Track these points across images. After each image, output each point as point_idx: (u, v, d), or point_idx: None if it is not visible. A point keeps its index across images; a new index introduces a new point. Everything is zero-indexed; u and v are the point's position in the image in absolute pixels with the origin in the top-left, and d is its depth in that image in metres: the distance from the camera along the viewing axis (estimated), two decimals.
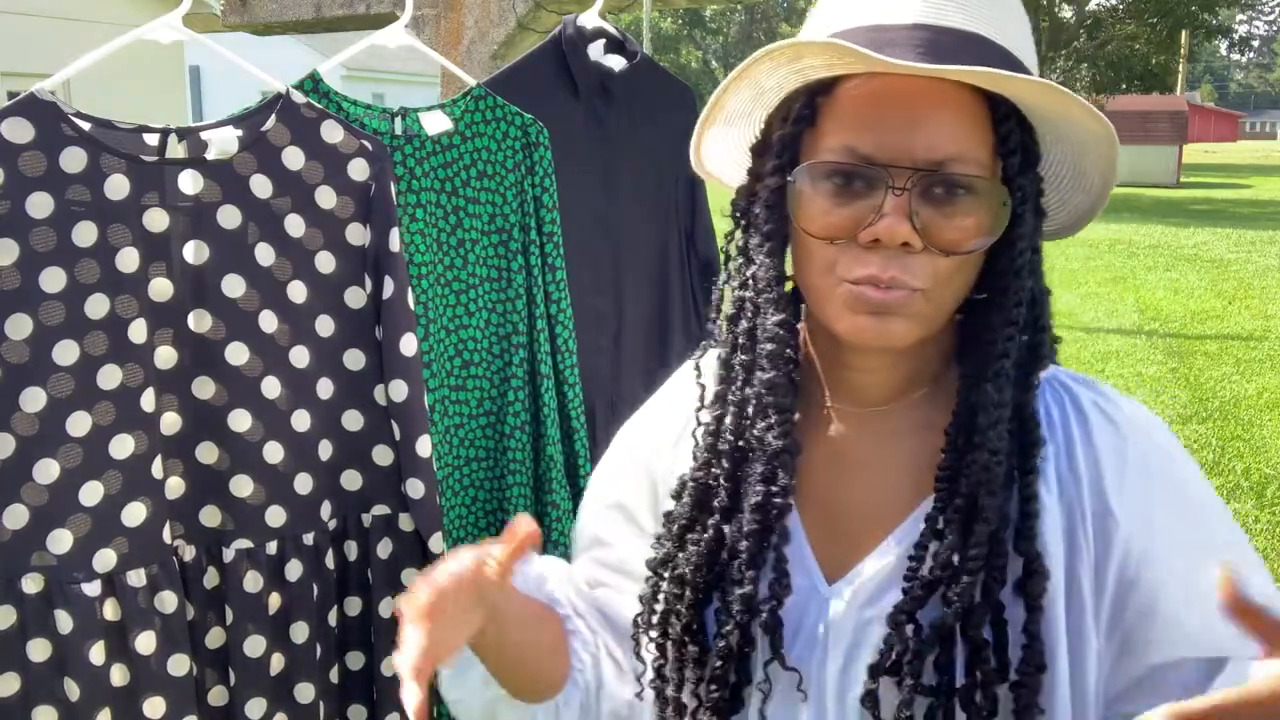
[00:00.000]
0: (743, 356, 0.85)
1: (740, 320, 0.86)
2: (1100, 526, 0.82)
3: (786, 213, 0.82)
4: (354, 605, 1.32)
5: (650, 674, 0.90)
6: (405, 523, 1.32)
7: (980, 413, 0.80)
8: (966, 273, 0.80)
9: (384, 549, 1.32)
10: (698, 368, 0.91)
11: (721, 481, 0.86)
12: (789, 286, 0.88)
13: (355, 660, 1.33)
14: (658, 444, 0.96)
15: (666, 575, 0.88)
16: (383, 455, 1.31)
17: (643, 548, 0.95)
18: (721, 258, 0.91)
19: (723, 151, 0.93)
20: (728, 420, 0.86)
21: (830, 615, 0.85)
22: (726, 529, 0.85)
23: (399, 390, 1.29)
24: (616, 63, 1.72)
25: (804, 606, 0.85)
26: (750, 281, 0.86)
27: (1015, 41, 0.80)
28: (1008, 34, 0.80)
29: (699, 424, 0.89)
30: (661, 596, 0.89)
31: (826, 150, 0.79)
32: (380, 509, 1.32)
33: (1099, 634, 0.82)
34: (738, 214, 0.88)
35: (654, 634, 0.89)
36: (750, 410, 0.85)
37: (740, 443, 0.85)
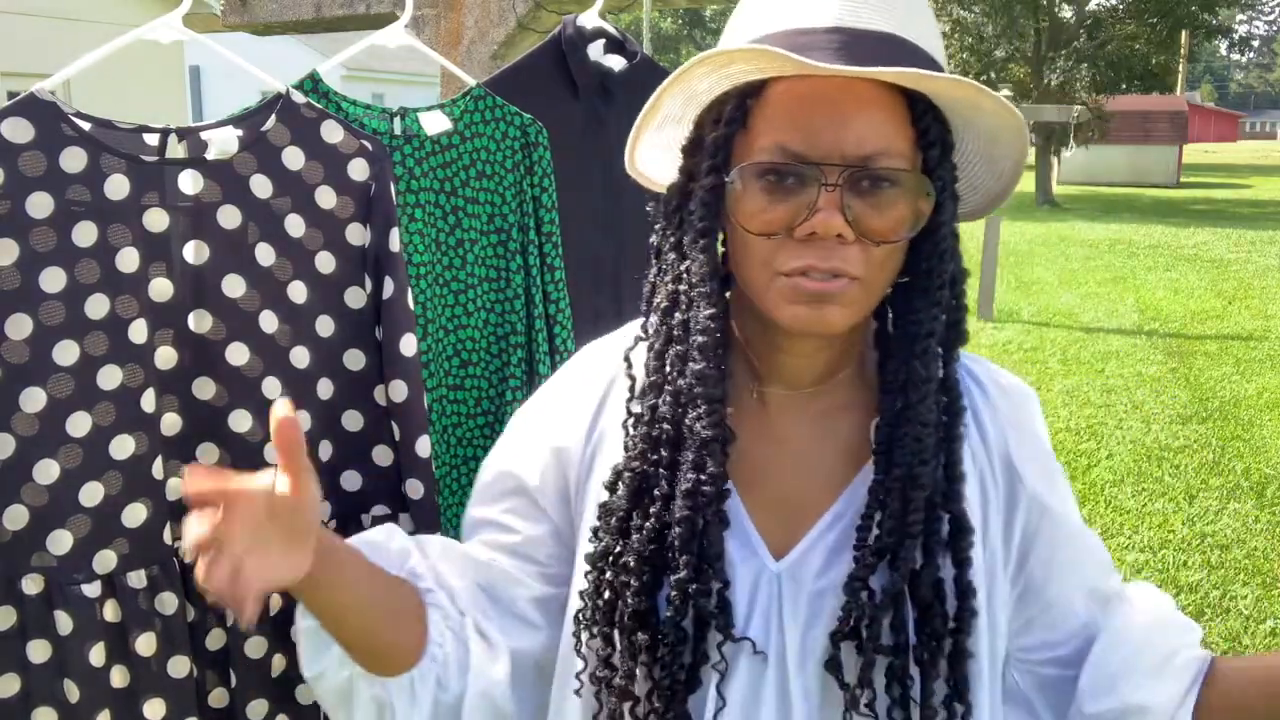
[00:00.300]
0: (676, 348, 0.89)
1: (674, 313, 0.90)
2: (1009, 486, 0.93)
3: (720, 210, 0.87)
4: None
5: (592, 666, 0.92)
6: (405, 523, 1.32)
7: (910, 389, 0.87)
8: (896, 259, 0.86)
9: None
10: (628, 360, 0.94)
11: (660, 470, 0.89)
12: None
13: None
14: (570, 431, 0.97)
15: (607, 566, 0.90)
16: (382, 456, 1.31)
17: (547, 530, 0.98)
18: (652, 253, 0.95)
19: (651, 152, 0.97)
20: (662, 410, 0.89)
21: (783, 590, 0.89)
22: (666, 516, 0.88)
23: (399, 390, 1.29)
24: (616, 63, 1.72)
25: (755, 583, 0.90)
26: (684, 275, 0.90)
27: (926, 39, 0.86)
28: (919, 32, 0.85)
29: (630, 415, 0.92)
30: (605, 588, 0.91)
31: (760, 150, 0.84)
32: (380, 509, 1.31)
33: (1007, 580, 0.94)
34: (670, 211, 0.93)
35: (598, 626, 0.91)
36: (682, 400, 0.88)
37: (675, 432, 0.88)
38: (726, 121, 0.86)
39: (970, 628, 0.88)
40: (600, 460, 0.95)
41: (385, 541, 0.98)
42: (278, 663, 1.24)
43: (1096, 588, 0.97)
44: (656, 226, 0.94)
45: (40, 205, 1.10)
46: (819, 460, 0.93)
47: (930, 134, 0.83)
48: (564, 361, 1.63)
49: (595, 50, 1.71)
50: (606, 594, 0.90)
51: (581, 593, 0.93)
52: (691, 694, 0.88)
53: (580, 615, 0.93)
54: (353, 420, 1.29)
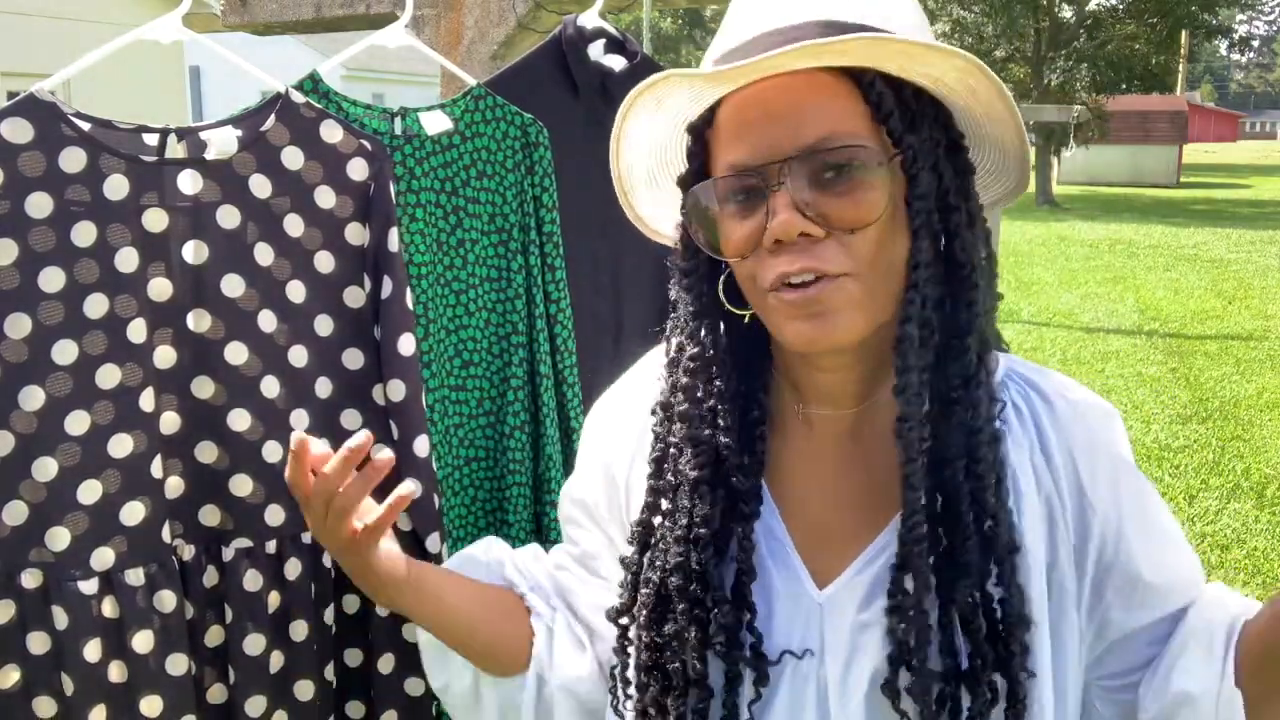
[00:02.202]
0: (677, 395, 0.88)
1: (677, 361, 0.89)
2: (1079, 514, 0.85)
3: (698, 247, 0.85)
4: (351, 603, 1.32)
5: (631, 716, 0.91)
6: (403, 522, 1.32)
7: (902, 383, 0.79)
8: (891, 246, 0.79)
9: None
10: (654, 412, 0.91)
11: (665, 522, 0.87)
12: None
13: (353, 657, 1.33)
14: (618, 452, 0.97)
15: (628, 622, 0.90)
16: (383, 454, 1.31)
17: (602, 542, 0.99)
18: (671, 306, 0.92)
19: (666, 210, 0.95)
20: (666, 462, 0.88)
21: (825, 621, 0.85)
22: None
23: (397, 390, 1.29)
24: (616, 63, 1.72)
25: (797, 614, 0.86)
26: (679, 322, 0.89)
27: (872, 12, 0.80)
28: (861, 8, 0.80)
29: (650, 467, 0.90)
30: (627, 645, 0.90)
31: (718, 175, 0.82)
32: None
33: (1080, 613, 0.86)
34: (671, 263, 0.91)
35: (631, 682, 0.90)
36: (675, 448, 0.87)
37: (676, 480, 0.87)
38: (688, 157, 0.86)
39: (1021, 649, 0.81)
40: (635, 490, 0.94)
41: (480, 555, 1.04)
42: (276, 659, 1.24)
43: (1181, 608, 0.89)
44: (672, 281, 0.91)
45: (40, 205, 1.10)
46: (865, 486, 0.87)
47: (884, 105, 0.77)
48: (565, 361, 1.64)
49: (595, 50, 1.71)
50: (630, 651, 0.90)
51: (614, 649, 0.93)
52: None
53: (613, 672, 0.93)
54: (351, 419, 1.29)
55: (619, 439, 0.97)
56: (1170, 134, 25.65)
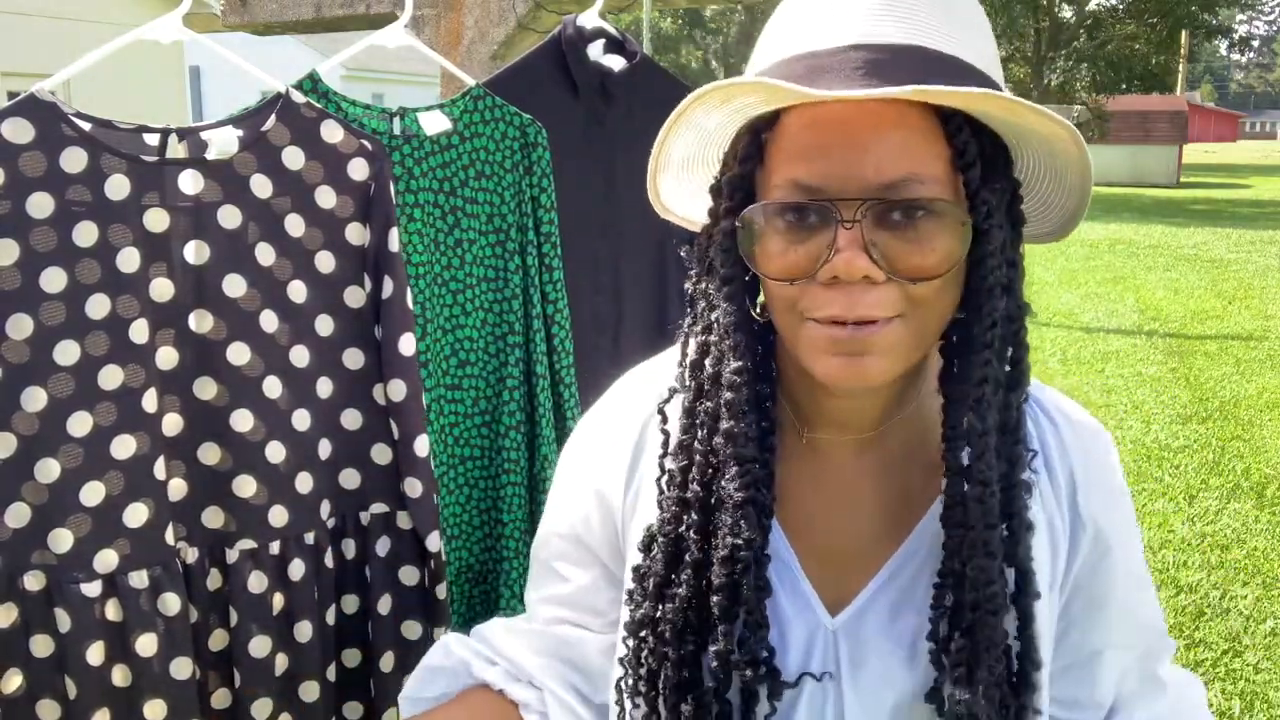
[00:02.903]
0: (706, 404, 0.83)
1: (703, 366, 0.84)
2: (1072, 531, 0.86)
3: (740, 255, 0.79)
4: (351, 603, 1.32)
5: None
6: (403, 521, 1.32)
7: (971, 441, 0.77)
8: (948, 293, 0.76)
9: (382, 547, 1.32)
10: (663, 413, 0.88)
11: (691, 534, 0.83)
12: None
13: (351, 658, 1.33)
14: (611, 474, 0.93)
15: (649, 634, 0.86)
16: (381, 454, 1.31)
17: (597, 572, 0.94)
18: (687, 300, 0.89)
19: (687, 194, 0.91)
20: (694, 471, 0.83)
21: (840, 647, 0.83)
22: (703, 582, 0.82)
23: (397, 390, 1.29)
24: (616, 63, 1.72)
25: (810, 640, 0.84)
26: (713, 326, 0.83)
27: (964, 46, 0.75)
28: (955, 39, 0.75)
29: (663, 472, 0.86)
30: (647, 657, 0.86)
31: (775, 188, 0.76)
32: (379, 507, 1.32)
33: (1052, 619, 0.87)
34: (699, 256, 0.86)
35: (642, 697, 0.86)
36: (714, 461, 0.82)
37: (706, 494, 0.83)
38: (741, 159, 0.79)
39: (1032, 688, 0.80)
40: (641, 507, 0.91)
41: (442, 662, 0.97)
42: (281, 662, 1.24)
43: (1141, 662, 0.90)
44: (690, 272, 0.87)
45: (41, 205, 1.10)
46: (874, 510, 0.85)
47: (967, 153, 0.73)
48: (561, 361, 1.64)
49: (595, 50, 1.71)
50: (648, 663, 0.86)
51: (622, 660, 0.89)
52: None
53: (622, 684, 0.89)
54: (352, 419, 1.29)
55: (610, 462, 0.93)
56: (1170, 134, 25.65)
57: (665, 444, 0.87)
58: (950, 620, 0.79)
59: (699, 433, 0.83)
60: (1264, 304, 9.47)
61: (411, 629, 1.33)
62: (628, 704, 0.89)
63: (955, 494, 0.78)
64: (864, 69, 0.72)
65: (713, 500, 0.82)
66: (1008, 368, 0.79)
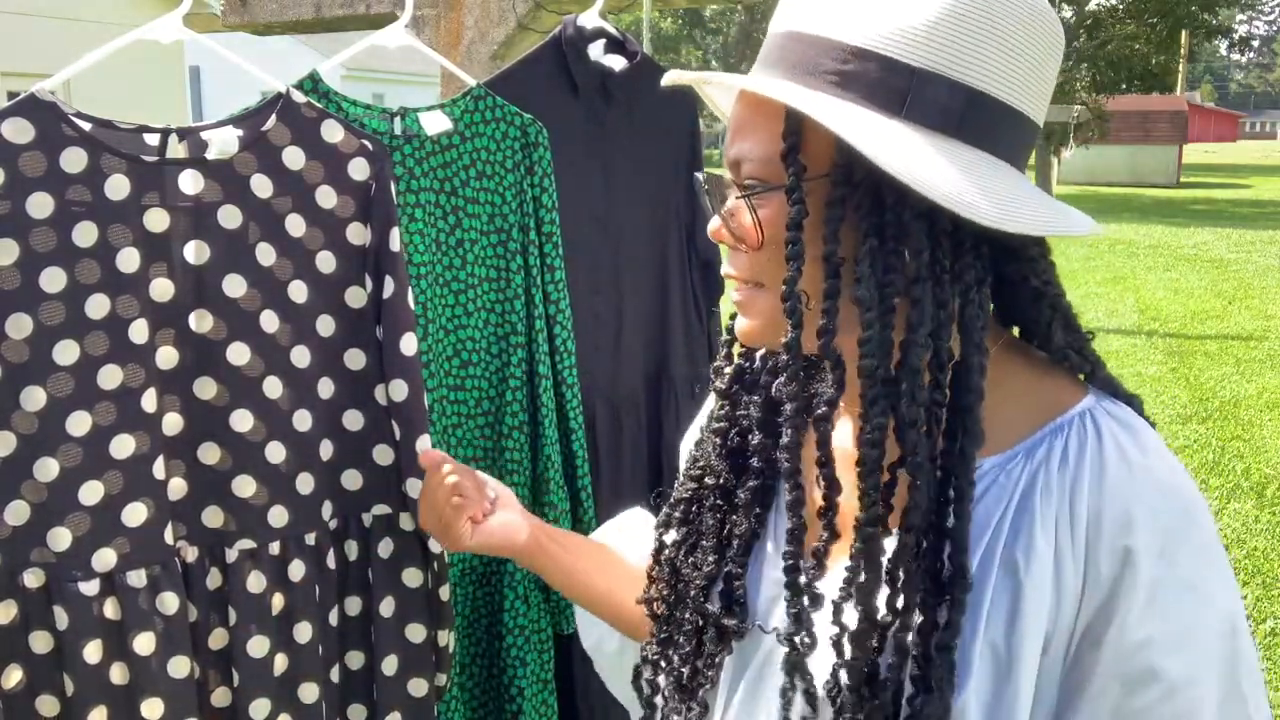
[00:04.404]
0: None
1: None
2: (1083, 588, 0.73)
3: None
4: (354, 605, 1.32)
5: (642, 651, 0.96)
6: (405, 522, 1.32)
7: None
8: (806, 269, 0.76)
9: (384, 548, 1.32)
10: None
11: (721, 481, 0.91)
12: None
13: (355, 659, 1.33)
14: None
15: (672, 556, 0.94)
16: (383, 455, 1.31)
17: None
18: None
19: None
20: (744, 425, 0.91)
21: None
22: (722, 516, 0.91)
23: (399, 390, 1.29)
24: (616, 63, 1.72)
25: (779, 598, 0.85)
26: None
27: (854, 28, 0.74)
28: (849, 22, 0.74)
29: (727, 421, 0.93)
30: (657, 580, 0.95)
31: None
32: (380, 508, 1.32)
33: (1064, 669, 0.75)
34: None
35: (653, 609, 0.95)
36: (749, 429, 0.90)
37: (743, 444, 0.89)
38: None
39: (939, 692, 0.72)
40: None
41: (620, 524, 1.12)
42: (280, 662, 1.24)
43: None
44: None
45: (41, 205, 1.10)
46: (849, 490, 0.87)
47: (790, 132, 0.75)
48: (564, 362, 1.64)
49: (595, 50, 1.71)
50: (656, 585, 0.94)
51: (649, 572, 0.97)
52: (704, 687, 0.88)
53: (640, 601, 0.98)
54: (353, 420, 1.29)
55: None
56: (1170, 134, 25.64)
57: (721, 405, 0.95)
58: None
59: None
60: (1264, 304, 9.47)
61: (415, 631, 1.33)
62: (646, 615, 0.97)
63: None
64: (768, 55, 0.79)
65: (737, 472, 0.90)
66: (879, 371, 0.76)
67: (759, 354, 0.93)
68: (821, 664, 0.79)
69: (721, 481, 0.91)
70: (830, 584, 0.79)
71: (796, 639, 0.79)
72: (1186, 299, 9.76)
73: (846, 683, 0.75)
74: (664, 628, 0.92)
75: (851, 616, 0.75)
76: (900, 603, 0.74)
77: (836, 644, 0.76)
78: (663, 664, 0.92)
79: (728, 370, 0.93)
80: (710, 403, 1.00)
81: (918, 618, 0.74)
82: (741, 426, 0.91)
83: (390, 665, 1.31)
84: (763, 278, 0.81)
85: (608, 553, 1.09)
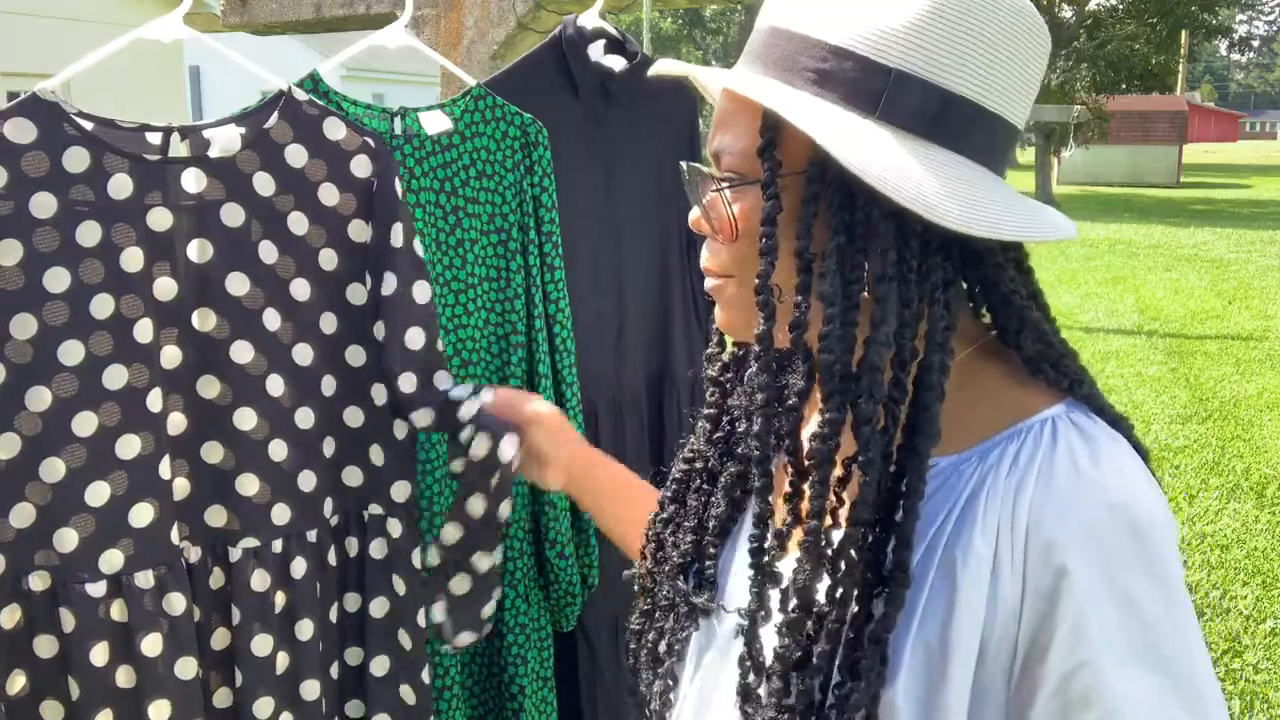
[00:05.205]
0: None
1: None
2: (1031, 585, 0.70)
3: None
4: (353, 601, 1.31)
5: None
6: (393, 527, 1.31)
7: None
8: (779, 263, 0.77)
9: (377, 549, 1.31)
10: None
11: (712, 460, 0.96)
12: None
13: (354, 656, 1.33)
14: None
15: (660, 531, 0.98)
16: (376, 455, 1.30)
17: None
18: None
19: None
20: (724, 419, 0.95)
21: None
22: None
23: (409, 382, 1.27)
24: (616, 63, 1.72)
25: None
26: None
27: (837, 27, 0.75)
28: (832, 20, 0.75)
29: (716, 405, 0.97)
30: (647, 549, 0.99)
31: None
32: (375, 508, 1.31)
33: (1009, 684, 0.72)
34: None
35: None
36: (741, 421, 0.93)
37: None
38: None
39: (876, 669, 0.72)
40: None
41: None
42: (282, 660, 1.24)
43: None
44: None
45: (44, 205, 1.10)
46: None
47: (764, 127, 0.77)
48: (564, 361, 1.64)
49: (595, 51, 1.71)
50: (643, 560, 0.98)
51: (641, 549, 1.00)
52: (671, 659, 0.92)
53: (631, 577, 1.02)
54: (354, 416, 1.29)
55: None
56: (1170, 134, 25.64)
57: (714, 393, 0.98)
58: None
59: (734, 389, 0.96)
60: (1264, 304, 9.47)
61: (406, 637, 1.31)
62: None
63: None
64: (752, 50, 0.81)
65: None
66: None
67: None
68: (771, 641, 0.80)
69: (709, 465, 0.95)
70: (787, 566, 0.80)
71: (753, 612, 0.81)
72: (1186, 299, 9.76)
73: (777, 668, 0.77)
74: (647, 600, 0.97)
75: (791, 602, 0.76)
76: (839, 593, 0.74)
77: (778, 627, 0.77)
78: (641, 636, 0.96)
79: (723, 358, 0.96)
80: None
81: (854, 608, 0.74)
82: (732, 415, 0.94)
83: (380, 666, 1.31)
84: (735, 270, 0.83)
85: (642, 490, 1.17)
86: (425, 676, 1.32)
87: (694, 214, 0.85)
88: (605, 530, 1.21)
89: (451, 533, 1.22)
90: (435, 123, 1.50)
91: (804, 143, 0.74)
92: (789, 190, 0.77)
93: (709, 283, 0.86)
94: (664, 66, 0.86)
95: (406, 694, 1.31)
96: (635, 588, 0.99)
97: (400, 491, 1.29)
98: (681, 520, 0.95)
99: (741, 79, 0.78)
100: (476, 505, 1.20)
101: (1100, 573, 0.69)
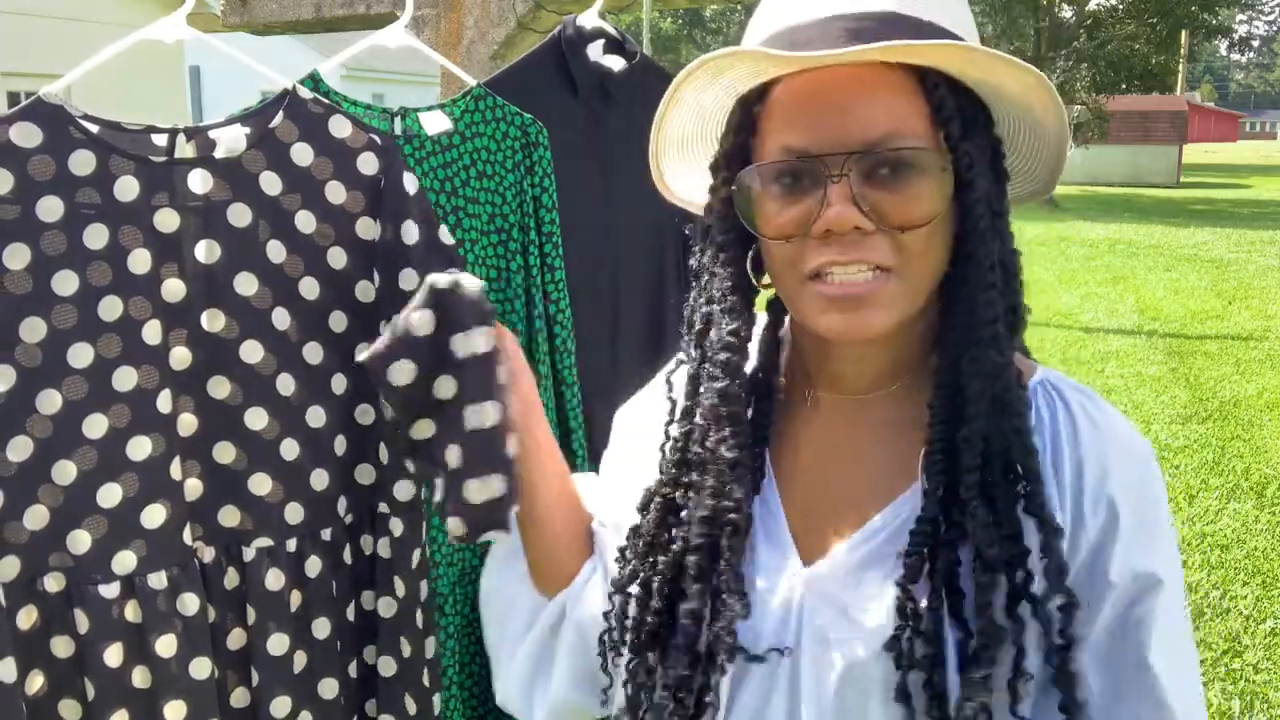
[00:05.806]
0: (707, 368, 0.87)
1: (707, 333, 0.88)
2: (1073, 530, 0.81)
3: (738, 222, 0.85)
4: (370, 599, 1.31)
5: (622, 686, 0.92)
6: (395, 526, 1.31)
7: (974, 380, 0.80)
8: (935, 246, 0.81)
9: (383, 548, 1.31)
10: (669, 383, 0.93)
11: (690, 494, 0.88)
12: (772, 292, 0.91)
13: (372, 654, 1.32)
14: (649, 440, 0.98)
15: (634, 592, 0.90)
16: (385, 452, 1.30)
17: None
18: (691, 275, 0.93)
19: (690, 179, 0.95)
20: (695, 434, 0.88)
21: (804, 597, 0.85)
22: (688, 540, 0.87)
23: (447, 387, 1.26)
24: (616, 63, 1.73)
25: (776, 586, 0.86)
26: (714, 295, 0.88)
27: (941, 13, 0.80)
28: (932, 5, 0.80)
29: (667, 438, 0.91)
30: (628, 612, 0.91)
31: (768, 154, 0.82)
32: (383, 506, 1.31)
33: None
34: (702, 231, 0.91)
35: (623, 648, 0.91)
36: (707, 419, 0.86)
37: (705, 454, 0.87)
38: (734, 131, 0.85)
39: (1009, 652, 0.78)
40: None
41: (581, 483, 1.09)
42: (299, 659, 1.23)
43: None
44: (694, 249, 0.93)
45: (51, 209, 1.10)
46: (868, 471, 0.88)
47: (945, 108, 0.78)
48: (564, 361, 1.65)
49: (595, 51, 1.71)
50: (632, 617, 0.90)
51: (605, 614, 0.93)
52: (702, 715, 0.85)
53: (604, 638, 0.94)
54: (364, 414, 1.29)
55: (648, 433, 0.98)
56: (1170, 134, 25.63)
57: (671, 410, 0.92)
58: (936, 575, 0.79)
59: (700, 398, 0.88)
60: (1264, 304, 9.47)
61: (408, 645, 1.30)
62: (609, 656, 0.93)
63: (943, 439, 0.81)
64: (844, 36, 0.77)
65: (705, 461, 0.87)
66: (1008, 310, 0.82)
67: (756, 336, 0.92)
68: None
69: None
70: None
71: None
72: (1186, 299, 9.76)
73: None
74: (649, 640, 0.88)
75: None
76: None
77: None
78: (655, 683, 0.88)
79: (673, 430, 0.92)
80: (659, 378, 0.99)
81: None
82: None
83: (387, 667, 1.31)
84: (902, 262, 0.79)
85: (576, 499, 1.06)
86: (426, 681, 1.32)
87: (841, 209, 0.77)
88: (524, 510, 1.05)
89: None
90: (435, 123, 1.51)
91: (980, 108, 0.81)
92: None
93: (857, 282, 0.78)
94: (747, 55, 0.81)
95: (409, 702, 1.30)
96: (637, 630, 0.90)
97: (403, 491, 1.29)
98: (683, 530, 0.88)
99: (905, 44, 0.75)
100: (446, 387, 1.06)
101: (1139, 498, 0.82)
